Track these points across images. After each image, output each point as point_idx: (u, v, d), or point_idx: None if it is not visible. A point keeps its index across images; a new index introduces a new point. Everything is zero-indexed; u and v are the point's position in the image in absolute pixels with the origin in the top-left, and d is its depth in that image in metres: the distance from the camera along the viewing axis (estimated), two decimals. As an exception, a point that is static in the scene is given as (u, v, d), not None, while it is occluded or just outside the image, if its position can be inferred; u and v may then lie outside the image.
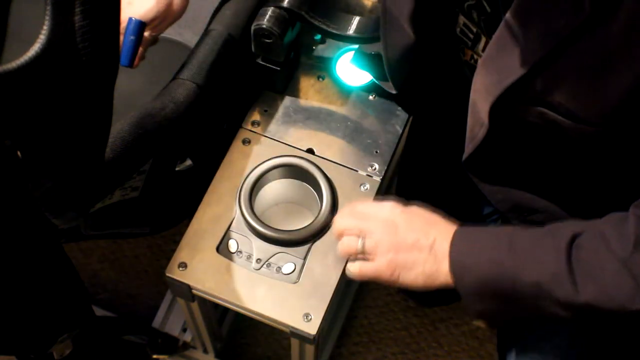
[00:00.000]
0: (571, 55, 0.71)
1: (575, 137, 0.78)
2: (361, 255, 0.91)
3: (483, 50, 0.88)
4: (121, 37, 0.94)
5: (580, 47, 0.70)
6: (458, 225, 0.88)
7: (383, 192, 0.93)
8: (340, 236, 0.94)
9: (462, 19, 0.88)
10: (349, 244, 0.92)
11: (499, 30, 0.76)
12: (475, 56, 0.90)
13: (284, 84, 1.10)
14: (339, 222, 0.95)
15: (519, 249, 0.83)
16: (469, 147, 0.89)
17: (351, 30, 1.02)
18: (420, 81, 1.04)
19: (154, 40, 1.03)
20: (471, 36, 0.88)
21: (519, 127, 0.82)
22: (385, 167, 1.05)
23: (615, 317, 0.80)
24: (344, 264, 0.98)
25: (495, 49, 0.78)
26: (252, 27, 0.99)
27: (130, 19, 0.93)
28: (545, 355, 0.99)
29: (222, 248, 0.99)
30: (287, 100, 1.10)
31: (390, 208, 0.92)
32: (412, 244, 0.88)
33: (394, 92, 1.05)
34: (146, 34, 0.97)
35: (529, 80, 0.75)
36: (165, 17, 0.99)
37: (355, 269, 0.92)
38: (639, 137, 0.75)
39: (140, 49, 0.97)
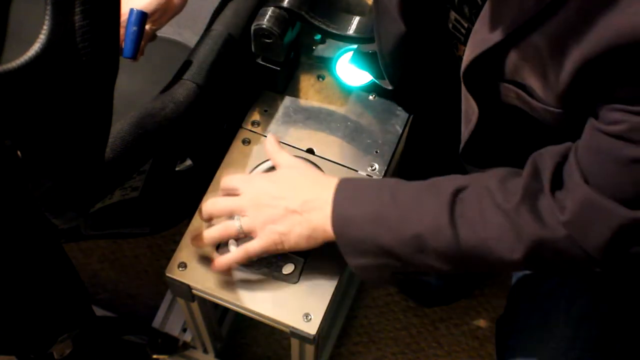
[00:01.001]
0: (533, 36, 0.73)
1: (547, 119, 0.80)
2: (242, 235, 0.93)
3: None
4: (122, 30, 0.93)
5: (541, 29, 0.72)
6: (338, 178, 0.90)
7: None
8: (209, 219, 0.96)
9: (453, 15, 0.88)
10: (227, 227, 0.93)
11: (484, 7, 0.78)
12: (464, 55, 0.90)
13: (284, 84, 1.10)
14: (208, 206, 0.95)
15: (402, 201, 0.85)
16: (464, 135, 0.90)
17: (351, 30, 1.02)
18: (416, 77, 1.04)
19: (154, 35, 1.02)
20: (463, 31, 0.88)
21: (504, 109, 0.83)
22: (385, 167, 1.05)
23: (492, 268, 0.83)
24: (345, 265, 0.98)
25: (479, 24, 0.80)
26: (252, 27, 0.99)
27: (131, 9, 0.92)
28: (545, 356, 0.99)
29: (222, 248, 0.99)
30: (287, 100, 1.10)
31: (256, 180, 0.95)
32: (285, 211, 0.90)
33: (390, 87, 1.05)
34: (147, 27, 0.97)
35: (498, 57, 0.77)
36: (166, 10, 0.98)
37: (241, 251, 0.93)
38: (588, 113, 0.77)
39: (142, 42, 0.97)
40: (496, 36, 0.76)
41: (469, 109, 0.87)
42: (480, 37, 0.78)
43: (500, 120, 0.86)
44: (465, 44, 0.89)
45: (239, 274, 0.98)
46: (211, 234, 0.95)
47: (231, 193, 0.95)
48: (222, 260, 0.94)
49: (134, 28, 0.93)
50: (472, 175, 0.84)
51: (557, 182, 0.79)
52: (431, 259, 0.83)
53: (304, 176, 0.94)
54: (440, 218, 0.82)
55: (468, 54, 0.80)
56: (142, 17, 0.93)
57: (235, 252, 0.94)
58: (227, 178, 0.97)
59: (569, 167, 0.79)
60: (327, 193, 0.89)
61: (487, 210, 0.81)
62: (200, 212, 0.97)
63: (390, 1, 0.90)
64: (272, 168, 1.02)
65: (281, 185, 0.93)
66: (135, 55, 0.94)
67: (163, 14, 0.99)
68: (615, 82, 0.70)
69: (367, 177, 0.92)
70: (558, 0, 0.69)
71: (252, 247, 0.92)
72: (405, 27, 0.91)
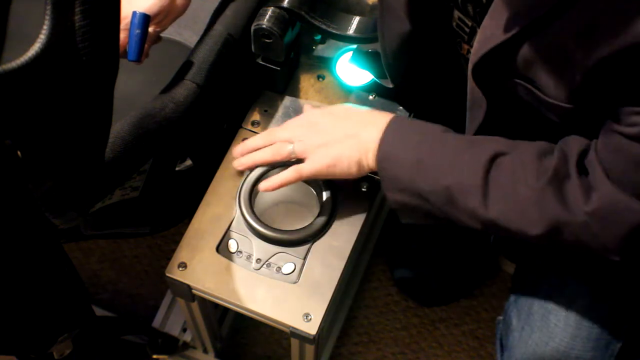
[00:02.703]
0: (546, 33, 0.74)
1: (555, 115, 0.81)
2: (294, 157, 0.96)
3: None
4: (123, 34, 0.93)
5: (554, 24, 0.72)
6: (392, 115, 0.93)
7: (383, 192, 0.93)
8: (251, 157, 1.00)
9: (457, 14, 0.88)
10: (279, 148, 0.96)
11: (492, 5, 0.78)
12: (472, 50, 0.90)
13: (284, 84, 1.10)
14: (264, 135, 1.00)
15: (442, 152, 0.87)
16: (470, 132, 0.90)
17: (351, 30, 1.02)
18: (418, 75, 1.04)
19: (158, 37, 1.02)
20: (467, 30, 0.88)
21: (512, 105, 0.84)
22: (385, 167, 1.05)
23: (513, 236, 0.85)
24: (344, 264, 0.98)
25: (488, 19, 0.80)
26: (252, 27, 0.99)
27: (134, 12, 0.93)
28: (545, 357, 0.99)
29: (222, 248, 0.99)
30: (287, 100, 1.10)
31: (308, 113, 0.99)
32: (342, 136, 0.93)
33: (390, 86, 1.05)
34: (150, 29, 0.97)
35: (508, 53, 0.78)
36: (169, 12, 0.98)
37: (292, 172, 0.95)
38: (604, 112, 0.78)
39: (145, 45, 0.97)
40: (507, 32, 0.76)
41: (475, 105, 0.87)
42: (490, 33, 0.79)
43: (507, 115, 0.87)
44: (468, 42, 0.89)
45: (239, 274, 0.98)
46: (262, 155, 0.98)
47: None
48: (274, 179, 0.96)
49: (137, 31, 0.93)
50: (515, 143, 0.87)
51: (582, 169, 0.81)
52: (459, 213, 0.86)
53: (357, 108, 0.98)
54: (474, 178, 0.84)
55: (477, 49, 0.81)
56: (145, 19, 0.93)
57: (287, 172, 0.96)
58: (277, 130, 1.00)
59: (590, 160, 0.81)
60: (382, 120, 0.91)
61: (519, 182, 0.83)
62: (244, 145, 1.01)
63: (397, 1, 0.90)
64: (273, 168, 1.02)
65: (338, 114, 0.97)
66: (139, 58, 0.94)
67: (166, 16, 0.99)
68: (633, 82, 0.71)
69: (418, 121, 0.95)
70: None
71: (305, 168, 0.95)
72: (411, 25, 0.91)
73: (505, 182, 0.84)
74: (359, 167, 0.93)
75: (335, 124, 0.95)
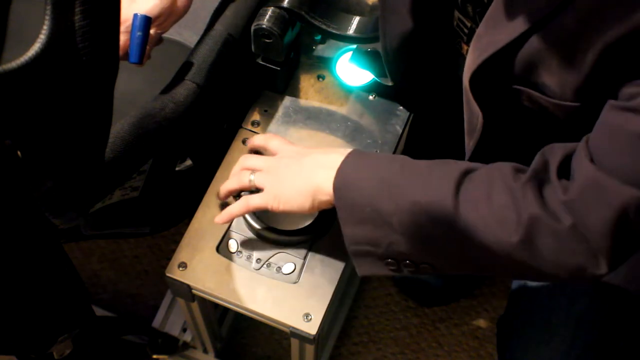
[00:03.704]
0: (547, 33, 0.73)
1: (562, 115, 0.79)
2: (253, 187, 0.95)
3: None
4: (124, 37, 0.93)
5: (556, 24, 0.72)
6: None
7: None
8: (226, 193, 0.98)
9: (457, 14, 0.88)
10: (241, 176, 0.96)
11: (489, 10, 0.77)
12: (467, 61, 0.90)
13: (284, 84, 1.10)
14: (243, 160, 0.99)
15: (410, 171, 0.84)
16: (469, 145, 0.90)
17: (351, 30, 1.02)
18: (418, 74, 1.04)
19: (159, 39, 1.02)
20: (466, 31, 0.88)
21: (511, 113, 0.83)
22: (385, 167, 1.05)
23: (485, 252, 0.79)
24: (344, 264, 0.98)
25: (483, 28, 0.79)
26: (252, 27, 0.99)
27: (135, 14, 0.92)
28: (545, 357, 0.99)
29: (222, 248, 0.99)
30: (287, 100, 1.10)
31: (282, 148, 0.97)
32: (295, 169, 0.92)
33: (390, 84, 1.05)
34: (151, 31, 0.97)
35: (507, 59, 0.77)
36: (170, 14, 0.98)
37: (241, 202, 0.94)
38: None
39: (147, 47, 0.97)
40: (506, 37, 0.75)
41: (473, 117, 0.86)
42: (487, 41, 0.78)
43: (506, 126, 0.86)
44: (468, 43, 0.89)
45: (239, 274, 0.98)
46: (229, 184, 0.98)
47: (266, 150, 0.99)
48: (224, 212, 0.96)
49: (139, 33, 0.92)
50: (488, 164, 0.83)
51: (564, 171, 0.77)
52: (426, 230, 0.81)
53: (321, 147, 0.97)
54: (444, 190, 0.80)
55: (474, 58, 0.79)
56: (146, 21, 0.93)
57: (236, 204, 0.95)
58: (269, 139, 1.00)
59: (577, 153, 0.76)
60: (339, 157, 0.89)
61: (495, 190, 0.79)
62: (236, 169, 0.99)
63: None
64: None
65: (297, 150, 0.96)
66: (141, 60, 0.94)
67: (167, 18, 0.98)
68: (637, 62, 0.69)
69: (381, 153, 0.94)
70: None
71: (253, 200, 0.94)
72: (413, 24, 0.91)
73: (478, 193, 0.80)
74: (313, 202, 0.90)
75: (297, 160, 0.93)
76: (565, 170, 0.77)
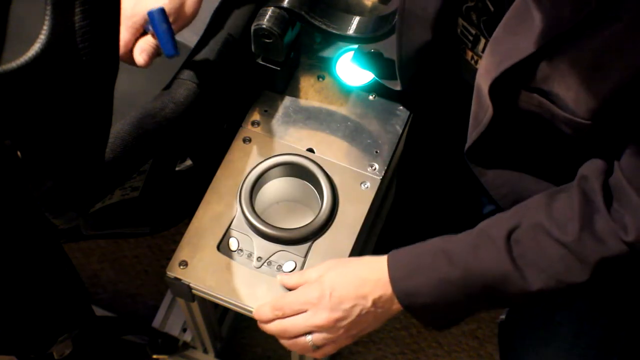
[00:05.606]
0: (570, 48, 0.72)
1: (569, 129, 0.79)
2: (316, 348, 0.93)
3: (482, 50, 0.88)
4: (129, 33, 0.92)
5: (580, 41, 0.71)
6: (385, 257, 0.90)
7: (383, 191, 0.93)
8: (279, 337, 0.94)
9: (461, 21, 0.88)
10: (302, 346, 0.92)
11: (508, 12, 0.77)
12: (476, 57, 0.90)
13: (284, 84, 1.10)
14: (271, 329, 0.94)
15: (458, 260, 0.85)
16: (472, 135, 0.90)
17: (351, 30, 1.02)
18: (426, 79, 1.04)
19: None
20: (470, 38, 0.88)
21: (520, 114, 0.83)
22: (385, 167, 1.05)
23: (564, 294, 0.83)
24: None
25: (502, 31, 0.79)
26: (252, 27, 0.99)
27: (150, 12, 0.91)
28: (547, 357, 0.99)
29: (222, 246, 0.99)
30: (287, 100, 1.10)
31: (311, 290, 0.92)
32: (351, 311, 0.90)
33: (398, 88, 1.05)
34: None
35: (528, 67, 0.76)
36: (177, 18, 0.97)
37: (320, 354, 0.93)
38: (628, 132, 0.76)
39: (153, 46, 0.96)
40: (529, 47, 0.74)
41: (481, 112, 0.86)
42: (508, 47, 0.77)
43: (513, 124, 0.86)
44: (472, 49, 0.89)
45: (239, 272, 0.98)
46: (285, 343, 0.95)
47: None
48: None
49: (164, 25, 0.92)
50: (516, 212, 0.85)
51: (609, 199, 0.80)
52: (507, 300, 0.86)
53: (351, 271, 0.92)
54: (503, 266, 0.83)
55: (495, 63, 0.79)
56: (164, 13, 0.92)
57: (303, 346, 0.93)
58: (280, 300, 0.93)
59: (618, 184, 0.79)
60: (384, 276, 0.89)
61: (547, 247, 0.81)
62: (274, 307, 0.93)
63: (425, 12, 0.89)
64: (273, 166, 1.02)
65: (338, 292, 0.91)
66: (176, 50, 0.93)
67: (175, 22, 0.98)
68: None
69: (413, 245, 0.90)
70: (599, 13, 0.68)
71: (329, 350, 0.93)
72: (433, 35, 0.91)
73: (533, 255, 0.82)
74: (382, 319, 0.92)
75: (343, 298, 0.90)
76: (608, 197, 0.80)
